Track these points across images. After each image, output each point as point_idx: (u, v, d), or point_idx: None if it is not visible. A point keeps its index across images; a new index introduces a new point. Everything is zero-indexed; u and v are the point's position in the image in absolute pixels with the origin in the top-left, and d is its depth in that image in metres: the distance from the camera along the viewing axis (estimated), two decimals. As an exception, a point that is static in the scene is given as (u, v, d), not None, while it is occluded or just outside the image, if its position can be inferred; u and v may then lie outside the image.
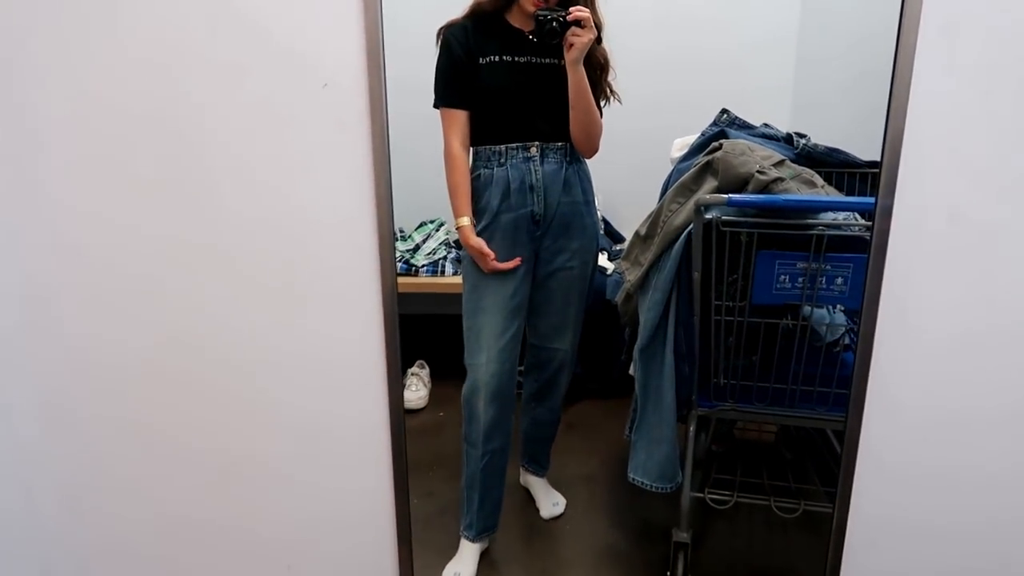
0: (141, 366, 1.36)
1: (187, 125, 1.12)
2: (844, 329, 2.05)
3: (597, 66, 1.79)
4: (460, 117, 1.78)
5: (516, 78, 1.76)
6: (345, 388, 1.36)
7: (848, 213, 1.60)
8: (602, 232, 3.10)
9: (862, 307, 1.60)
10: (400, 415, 1.37)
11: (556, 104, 1.76)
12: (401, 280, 2.87)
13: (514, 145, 1.77)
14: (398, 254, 2.92)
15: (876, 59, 2.52)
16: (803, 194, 1.57)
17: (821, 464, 2.33)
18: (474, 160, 1.82)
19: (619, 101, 1.87)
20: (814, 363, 1.76)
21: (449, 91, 1.77)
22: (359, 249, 1.17)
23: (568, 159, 1.81)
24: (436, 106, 1.78)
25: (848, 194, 1.80)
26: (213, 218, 1.16)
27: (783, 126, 2.15)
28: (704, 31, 2.99)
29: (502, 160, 1.78)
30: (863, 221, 1.59)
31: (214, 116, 1.12)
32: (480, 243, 1.78)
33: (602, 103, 1.85)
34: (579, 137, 1.79)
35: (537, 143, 1.78)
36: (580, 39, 1.64)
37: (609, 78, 1.83)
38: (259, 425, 1.43)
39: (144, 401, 1.40)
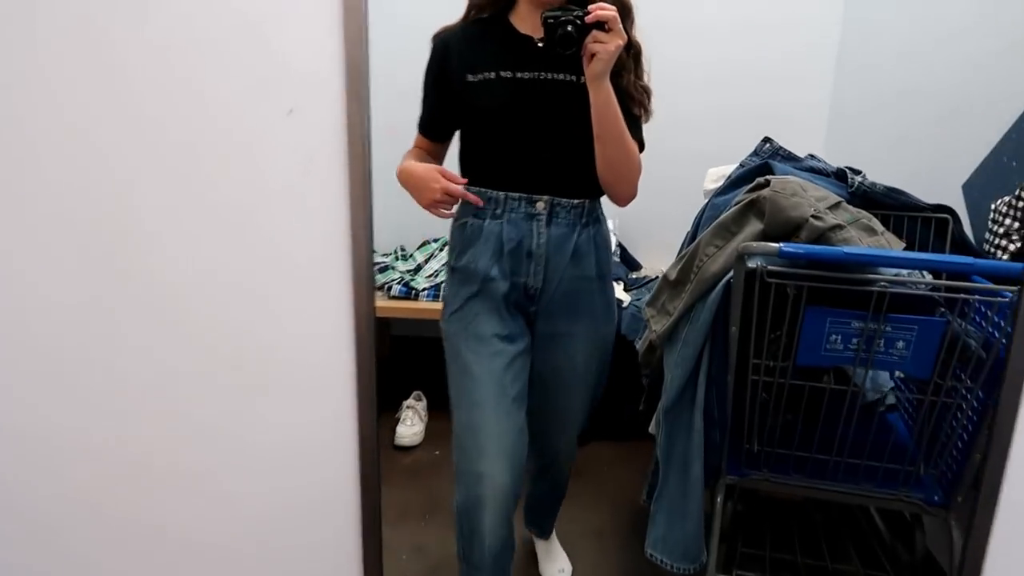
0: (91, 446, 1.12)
1: (110, 173, 0.83)
2: (888, 388, 1.83)
3: (626, 71, 1.37)
4: (430, 149, 1.50)
5: (517, 100, 1.36)
6: (315, 466, 1.13)
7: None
8: (617, 259, 2.90)
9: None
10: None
11: (575, 140, 1.35)
12: (400, 305, 2.68)
13: (516, 196, 1.39)
14: (397, 275, 2.71)
15: (922, 74, 2.34)
16: (866, 245, 1.34)
17: (857, 534, 2.10)
18: (462, 203, 1.42)
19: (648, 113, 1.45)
20: (858, 426, 1.54)
21: (423, 117, 1.49)
22: (333, 334, 0.91)
23: (584, 221, 1.43)
24: None
25: (909, 241, 1.57)
26: (145, 279, 0.88)
27: (817, 146, 1.93)
28: (738, 42, 2.78)
29: (498, 211, 1.39)
30: (931, 279, 1.36)
31: (137, 151, 0.83)
32: (429, 168, 1.37)
33: (641, 119, 1.43)
34: (609, 178, 1.38)
35: (547, 198, 1.39)
36: (605, 47, 1.23)
37: (644, 82, 1.42)
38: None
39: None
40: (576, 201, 1.41)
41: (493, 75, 1.36)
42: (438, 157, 1.51)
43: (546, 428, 1.59)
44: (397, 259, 2.85)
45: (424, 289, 2.59)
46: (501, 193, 1.39)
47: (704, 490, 1.66)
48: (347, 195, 0.82)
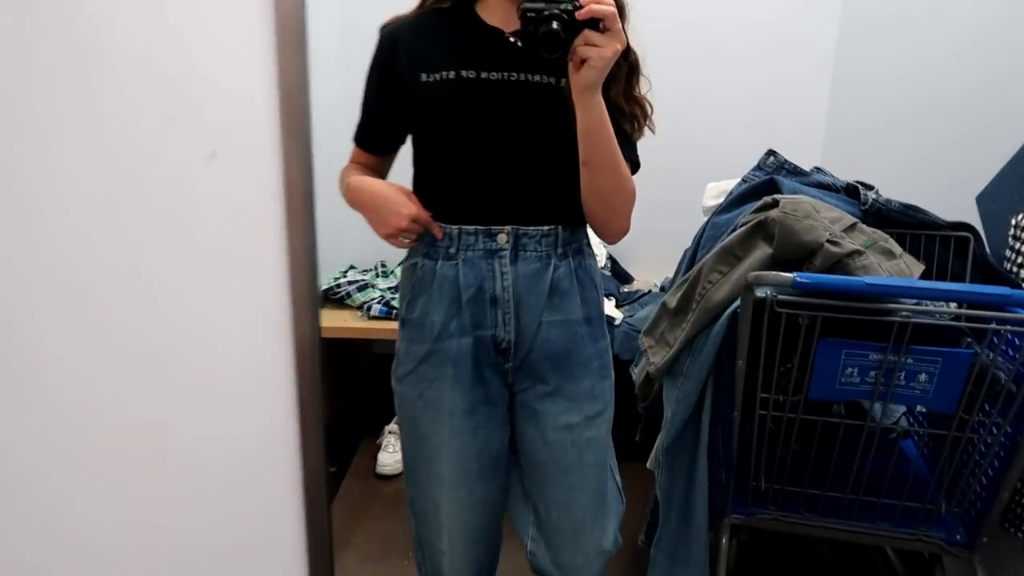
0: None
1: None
2: (901, 412, 1.71)
3: (617, 81, 1.10)
4: (370, 164, 1.26)
5: (480, 106, 1.11)
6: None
7: (938, 294, 1.26)
8: (608, 273, 2.77)
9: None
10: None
11: (550, 156, 1.13)
12: (380, 325, 2.54)
13: (471, 230, 1.13)
14: (378, 293, 2.57)
15: (928, 94, 2.24)
16: (886, 271, 1.22)
17: (869, 571, 1.98)
18: (418, 241, 1.19)
19: (652, 130, 1.19)
20: (875, 459, 1.42)
21: (363, 125, 1.24)
22: (271, 360, 0.76)
23: (561, 251, 1.17)
24: None
25: (927, 262, 1.45)
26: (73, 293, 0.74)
27: (814, 157, 1.81)
28: (734, 57, 2.66)
29: (452, 249, 1.14)
30: (955, 308, 1.24)
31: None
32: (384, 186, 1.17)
33: (633, 135, 1.16)
34: (598, 212, 1.15)
35: (508, 228, 1.13)
36: (600, 51, 0.97)
37: (642, 91, 1.16)
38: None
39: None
40: (547, 228, 1.15)
41: (452, 75, 1.11)
42: (380, 174, 1.27)
43: (553, 538, 1.27)
44: (377, 276, 2.71)
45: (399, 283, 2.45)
46: (454, 227, 1.14)
47: (708, 531, 1.53)
48: (285, 262, 0.68)
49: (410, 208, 1.13)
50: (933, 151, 1.94)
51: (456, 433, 1.20)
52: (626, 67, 1.12)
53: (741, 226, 1.35)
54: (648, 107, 1.17)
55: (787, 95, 2.60)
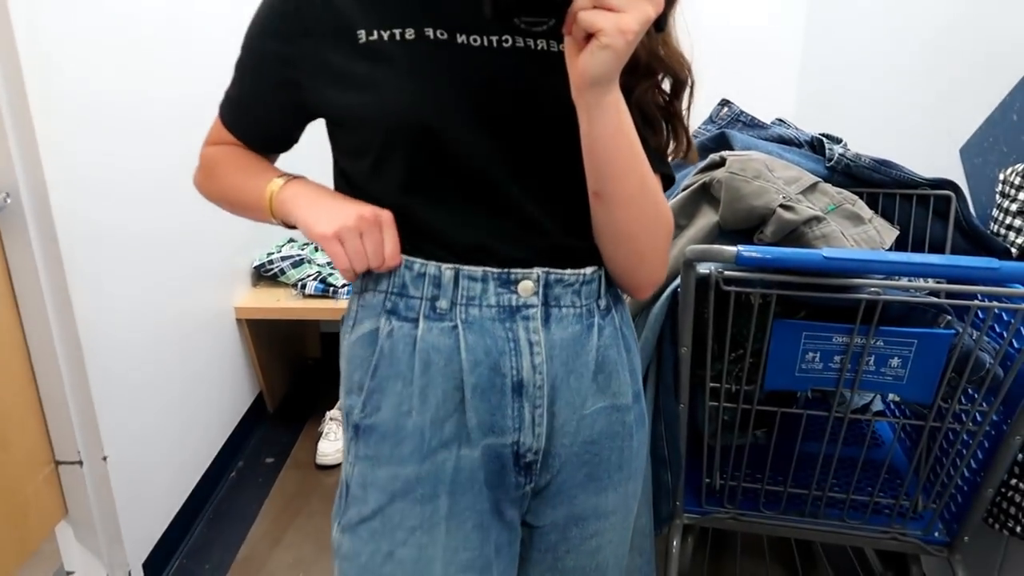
0: None
1: None
2: (874, 395, 1.53)
3: (646, 76, 0.72)
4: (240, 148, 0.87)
5: (461, 81, 0.72)
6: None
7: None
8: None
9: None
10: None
11: (573, 159, 0.72)
12: (318, 305, 2.30)
13: (476, 272, 0.75)
14: (314, 269, 2.36)
15: (905, 21, 2.02)
16: (851, 238, 1.03)
17: (843, 566, 1.83)
18: (363, 291, 0.79)
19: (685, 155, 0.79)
20: (844, 444, 1.25)
21: (236, 97, 0.83)
22: None
23: (604, 305, 0.80)
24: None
25: (903, 225, 1.26)
26: None
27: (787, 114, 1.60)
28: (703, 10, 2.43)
29: (442, 304, 0.75)
30: (932, 284, 1.05)
31: None
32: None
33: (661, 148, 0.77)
34: (619, 258, 0.78)
35: (536, 272, 0.76)
36: (621, 20, 0.59)
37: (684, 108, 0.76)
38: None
39: None
40: (591, 271, 0.78)
41: (411, 33, 0.71)
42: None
43: None
44: (316, 250, 2.50)
45: (344, 285, 2.25)
46: (448, 268, 0.75)
47: (657, 534, 1.36)
48: None
49: (376, 210, 0.74)
50: (912, 98, 1.74)
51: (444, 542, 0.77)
52: (661, 46, 0.71)
53: (684, 189, 1.15)
54: (685, 122, 0.76)
55: (757, 39, 2.39)
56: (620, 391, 0.81)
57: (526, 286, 0.75)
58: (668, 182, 0.80)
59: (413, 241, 0.75)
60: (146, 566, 1.70)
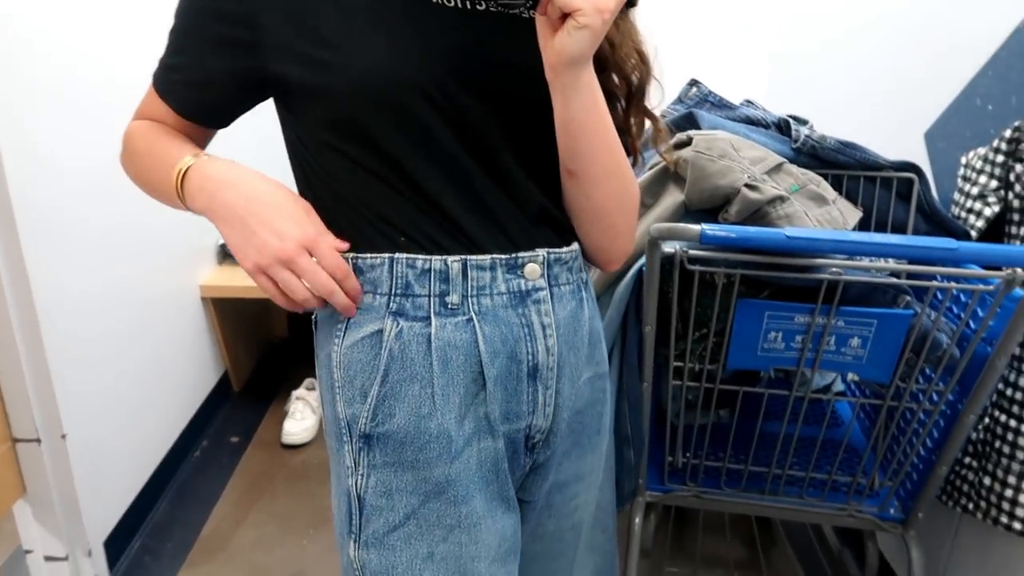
0: None
1: None
2: (835, 375, 1.55)
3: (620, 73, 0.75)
4: (179, 126, 0.78)
5: (457, 49, 0.69)
6: None
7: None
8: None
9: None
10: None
11: (550, 134, 0.72)
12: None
13: (485, 260, 0.72)
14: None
15: (873, 19, 2.03)
16: (814, 218, 1.03)
17: (801, 542, 1.86)
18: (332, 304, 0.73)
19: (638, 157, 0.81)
20: (804, 423, 1.27)
21: (175, 63, 0.75)
22: None
23: (585, 279, 0.82)
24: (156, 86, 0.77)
25: (867, 207, 1.27)
26: None
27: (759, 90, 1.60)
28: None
29: (452, 298, 0.72)
30: (893, 265, 1.07)
31: None
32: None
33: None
34: (593, 233, 0.79)
35: (542, 253, 0.75)
36: (600, 5, 0.60)
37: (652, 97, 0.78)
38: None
39: None
40: (576, 247, 0.79)
41: None
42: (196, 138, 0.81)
43: None
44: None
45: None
46: (455, 261, 0.71)
47: (619, 511, 1.38)
48: None
49: (310, 229, 0.68)
50: (880, 83, 1.76)
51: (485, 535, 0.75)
52: (629, 27, 0.72)
53: (650, 168, 1.15)
54: (649, 117, 0.78)
55: (730, 18, 2.38)
56: (602, 359, 0.83)
57: (533, 269, 0.73)
58: (635, 159, 0.80)
59: (409, 235, 0.71)
60: (107, 545, 1.67)
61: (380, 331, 0.71)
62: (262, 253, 0.67)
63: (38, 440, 1.48)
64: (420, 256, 0.70)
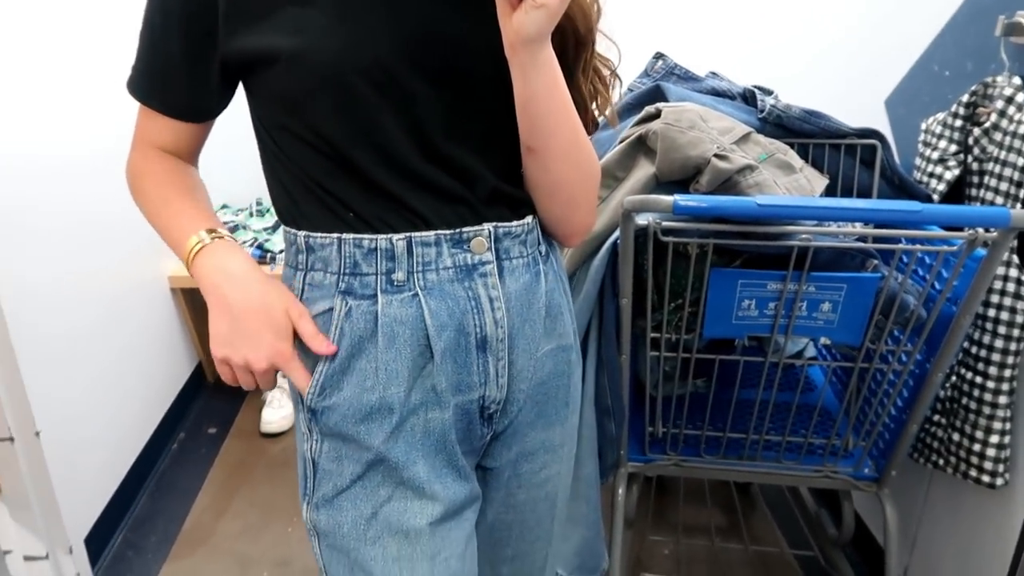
0: None
1: None
2: (806, 342, 1.59)
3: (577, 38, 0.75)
4: (169, 141, 0.80)
5: (390, 28, 0.69)
6: None
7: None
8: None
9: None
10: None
11: (510, 105, 0.74)
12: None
13: (429, 236, 0.74)
14: (250, 235, 2.31)
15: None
16: (783, 186, 1.05)
17: (779, 503, 1.91)
18: (309, 269, 0.76)
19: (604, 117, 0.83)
20: (779, 390, 1.30)
21: (150, 64, 0.75)
22: None
23: (544, 251, 0.82)
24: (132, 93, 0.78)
25: (832, 174, 1.29)
26: None
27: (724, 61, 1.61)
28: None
29: (398, 275, 0.74)
30: (860, 229, 1.09)
31: None
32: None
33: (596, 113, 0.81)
34: (553, 208, 0.80)
35: (487, 227, 0.76)
36: None
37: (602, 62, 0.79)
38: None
39: None
40: (531, 220, 0.79)
41: None
42: (190, 154, 0.83)
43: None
44: (252, 215, 2.44)
45: (282, 251, 2.21)
46: (399, 239, 0.73)
47: (602, 483, 1.40)
48: None
49: (286, 348, 0.73)
50: (840, 51, 1.78)
51: (434, 561, 0.78)
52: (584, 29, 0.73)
53: (620, 142, 1.15)
54: (609, 81, 0.79)
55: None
56: (565, 332, 0.84)
57: (479, 243, 0.75)
58: (594, 127, 0.81)
59: (356, 213, 0.73)
60: (88, 542, 1.66)
61: (331, 310, 0.74)
62: (236, 353, 0.72)
63: (11, 439, 1.46)
64: (367, 236, 0.72)
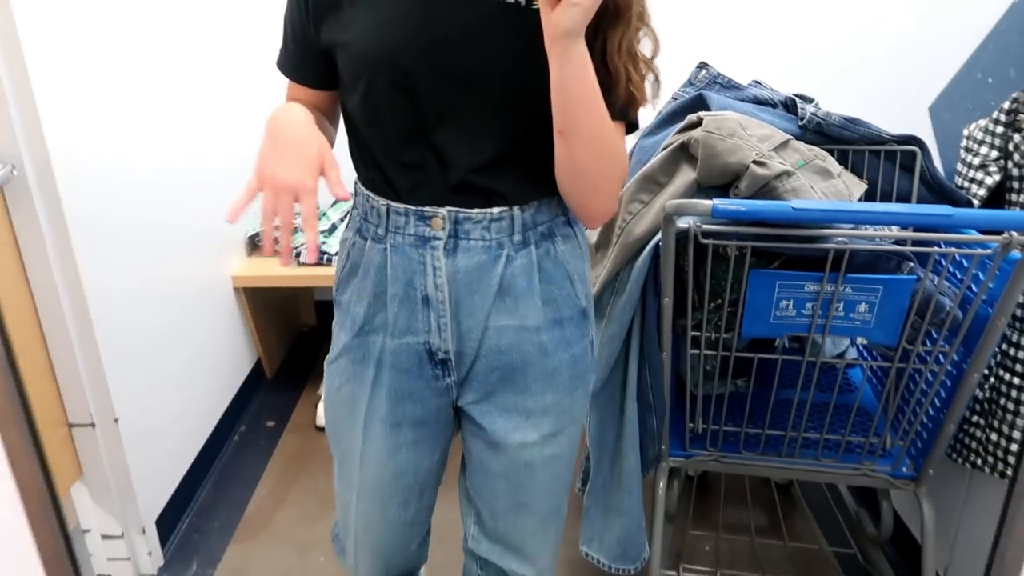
0: None
1: None
2: (848, 344, 1.62)
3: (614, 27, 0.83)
4: (307, 100, 0.98)
5: (397, 30, 0.86)
6: None
7: (878, 216, 1.14)
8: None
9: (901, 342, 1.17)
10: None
11: (504, 108, 0.88)
12: (313, 272, 2.36)
13: (399, 208, 0.91)
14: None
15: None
16: (820, 191, 1.10)
17: (818, 501, 1.93)
18: (354, 207, 1.00)
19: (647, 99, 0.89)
20: (818, 389, 1.34)
21: (282, 48, 0.98)
22: None
23: (519, 239, 0.93)
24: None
25: (871, 179, 1.33)
26: None
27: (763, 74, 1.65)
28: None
29: (380, 230, 0.93)
30: (897, 232, 1.13)
31: None
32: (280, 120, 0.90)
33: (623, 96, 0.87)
34: (576, 192, 0.91)
35: (444, 211, 0.90)
36: None
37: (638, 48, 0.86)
38: None
39: None
40: (499, 211, 0.91)
41: None
42: (327, 113, 1.01)
43: (497, 544, 1.11)
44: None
45: (338, 253, 2.30)
46: (381, 202, 0.92)
47: (644, 476, 1.45)
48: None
49: (307, 179, 0.83)
50: (883, 58, 1.81)
51: (371, 441, 1.02)
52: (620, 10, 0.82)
53: (664, 148, 1.21)
54: (650, 69, 0.86)
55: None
56: (528, 314, 0.96)
57: (437, 222, 0.91)
58: (630, 129, 0.92)
59: (370, 177, 0.94)
60: (158, 523, 1.77)
61: (348, 239, 0.99)
62: (267, 168, 0.85)
63: (92, 424, 1.58)
64: (371, 195, 0.94)
